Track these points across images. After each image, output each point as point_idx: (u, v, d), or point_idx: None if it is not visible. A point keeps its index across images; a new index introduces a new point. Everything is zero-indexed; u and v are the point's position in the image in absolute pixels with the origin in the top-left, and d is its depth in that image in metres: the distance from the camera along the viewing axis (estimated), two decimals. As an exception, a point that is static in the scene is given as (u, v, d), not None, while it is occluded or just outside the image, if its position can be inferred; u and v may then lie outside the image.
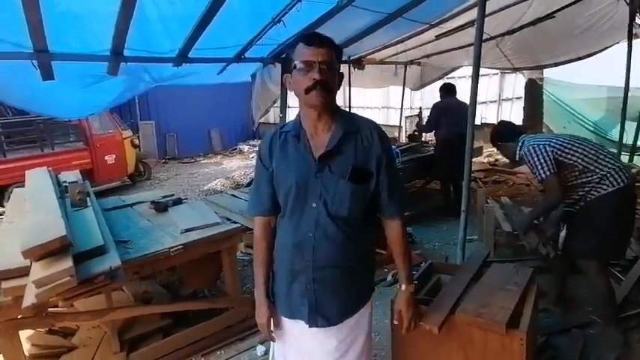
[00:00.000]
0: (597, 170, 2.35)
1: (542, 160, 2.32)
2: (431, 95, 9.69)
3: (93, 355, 2.11)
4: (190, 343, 2.33)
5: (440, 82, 7.60)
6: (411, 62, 6.39)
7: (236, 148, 11.84)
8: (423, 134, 5.57)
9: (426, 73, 6.57)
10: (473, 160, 5.29)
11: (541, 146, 2.37)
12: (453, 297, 1.56)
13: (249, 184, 5.09)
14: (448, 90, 4.84)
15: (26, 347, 2.09)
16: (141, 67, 4.14)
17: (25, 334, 2.02)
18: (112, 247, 1.80)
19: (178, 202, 3.02)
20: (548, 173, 2.31)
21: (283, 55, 4.87)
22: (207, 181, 7.73)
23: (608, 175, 2.34)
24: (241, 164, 9.66)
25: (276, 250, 1.42)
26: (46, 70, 3.36)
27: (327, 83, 1.22)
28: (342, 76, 1.34)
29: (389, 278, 3.31)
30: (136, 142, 7.93)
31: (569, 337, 2.49)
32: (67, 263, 1.44)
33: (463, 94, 4.87)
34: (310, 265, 1.31)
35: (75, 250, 1.61)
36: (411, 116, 9.66)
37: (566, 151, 2.36)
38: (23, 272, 1.62)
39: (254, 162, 9.38)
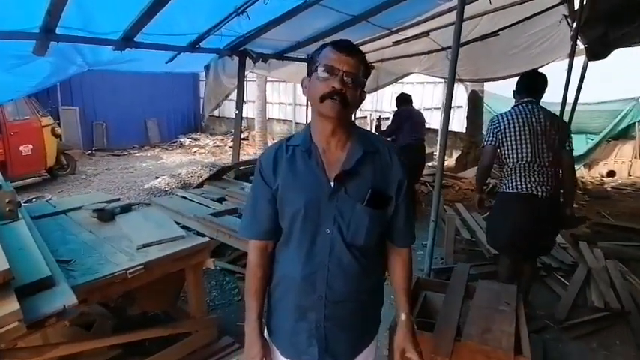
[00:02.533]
0: (512, 163, 2.50)
1: (489, 131, 2.56)
2: (381, 99, 9.96)
3: (26, 402, 1.73)
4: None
5: (391, 87, 7.84)
6: (367, 65, 6.42)
7: (176, 141, 11.08)
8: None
9: (380, 77, 6.66)
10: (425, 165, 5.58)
11: (497, 117, 2.57)
12: (453, 322, 1.51)
13: (199, 185, 4.69)
14: (405, 100, 5.05)
15: None
16: (73, 49, 3.59)
17: None
18: (61, 276, 1.46)
19: (127, 209, 2.64)
20: (486, 143, 2.58)
21: (241, 49, 4.59)
22: (146, 177, 7.08)
23: (513, 174, 2.50)
24: (184, 160, 9.04)
25: (275, 283, 1.24)
26: (-44, 47, 2.76)
27: (347, 96, 1.07)
28: (364, 94, 1.20)
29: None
30: (58, 130, 7.01)
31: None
32: (13, 304, 1.11)
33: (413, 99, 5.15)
34: (322, 300, 1.16)
35: (16, 283, 1.26)
36: (361, 118, 9.82)
37: (507, 128, 2.48)
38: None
39: (197, 157, 8.93)
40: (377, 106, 10.18)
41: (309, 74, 1.15)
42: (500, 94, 8.06)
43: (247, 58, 4.72)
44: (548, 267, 3.59)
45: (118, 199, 2.91)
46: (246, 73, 5.16)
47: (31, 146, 6.31)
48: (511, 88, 2.78)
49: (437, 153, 7.09)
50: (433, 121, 9.11)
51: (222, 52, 4.50)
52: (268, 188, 1.18)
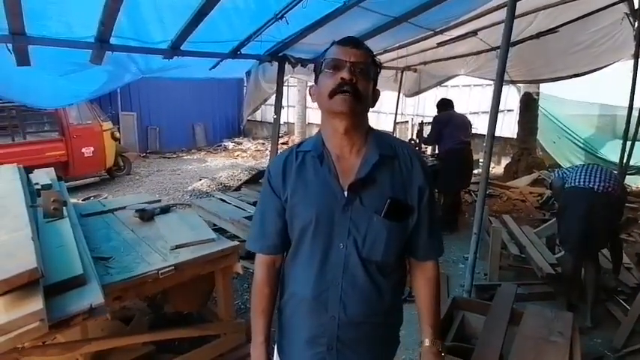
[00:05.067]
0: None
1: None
2: (423, 103, 9.68)
3: (63, 392, 1.82)
4: (177, 375, 2.07)
5: (434, 91, 7.57)
6: (408, 68, 6.26)
7: (221, 145, 11.48)
8: (423, 146, 5.48)
9: (422, 80, 6.45)
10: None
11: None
12: (494, 351, 1.37)
13: (237, 188, 4.80)
14: (445, 104, 4.88)
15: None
16: (128, 57, 3.81)
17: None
18: (93, 275, 1.52)
19: (166, 210, 2.74)
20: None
21: (281, 54, 4.64)
22: (191, 179, 7.38)
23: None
24: (226, 163, 9.33)
25: (285, 300, 1.16)
26: (22, 55, 3.01)
27: (358, 88, 0.99)
28: (378, 92, 1.11)
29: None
30: (117, 134, 7.50)
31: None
32: (37, 304, 1.16)
33: (457, 103, 4.99)
34: (336, 320, 1.06)
35: (47, 281, 1.33)
36: (402, 122, 9.59)
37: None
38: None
39: (239, 160, 9.17)
40: (419, 110, 9.89)
41: (316, 81, 1.09)
42: (558, 95, 7.48)
43: (287, 63, 4.76)
44: (610, 290, 3.24)
45: (159, 200, 3.02)
46: (286, 78, 5.21)
47: (92, 148, 6.79)
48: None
49: (482, 160, 6.73)
50: (480, 126, 8.68)
51: (262, 57, 4.57)
52: (277, 198, 1.10)
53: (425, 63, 6.06)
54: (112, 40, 3.24)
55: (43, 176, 2.67)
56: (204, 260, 2.08)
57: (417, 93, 6.85)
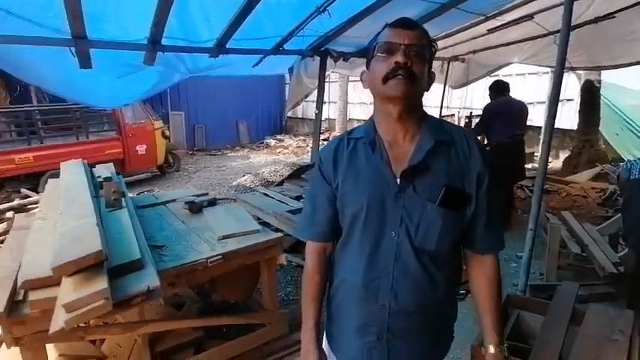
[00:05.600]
0: None
1: None
2: (471, 95, 9.28)
3: (123, 370, 1.96)
4: (225, 360, 2.15)
5: (483, 81, 7.21)
6: (455, 58, 6.01)
7: (263, 142, 11.73)
8: None
9: (471, 70, 6.16)
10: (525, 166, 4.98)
11: None
12: (554, 351, 1.29)
13: (280, 183, 4.88)
14: (500, 88, 4.33)
15: (53, 356, 1.95)
16: (177, 57, 3.99)
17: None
18: (150, 260, 1.62)
19: (213, 202, 2.84)
20: None
21: (323, 48, 4.64)
22: (235, 175, 7.61)
23: None
24: (269, 159, 9.52)
25: (335, 288, 1.15)
26: (84, 58, 3.24)
27: (413, 71, 0.96)
28: (433, 75, 1.07)
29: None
30: (167, 133, 7.89)
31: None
32: (102, 284, 1.26)
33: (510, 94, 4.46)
34: (386, 310, 1.04)
35: (109, 264, 1.43)
36: (448, 116, 9.26)
37: None
38: (55, 281, 1.46)
39: (281, 157, 9.29)
40: (466, 103, 9.49)
41: (367, 66, 1.06)
42: (621, 84, 6.85)
43: (329, 57, 4.75)
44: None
45: (207, 194, 3.14)
46: (327, 73, 5.21)
47: (145, 146, 7.19)
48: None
49: (538, 153, 6.32)
50: (536, 117, 8.18)
51: (305, 52, 4.60)
52: (328, 185, 1.09)
53: (474, 52, 5.78)
54: (163, 41, 3.41)
55: (104, 170, 2.87)
56: (249, 250, 2.14)
57: (465, 84, 6.55)
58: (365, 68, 1.08)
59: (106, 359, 2.07)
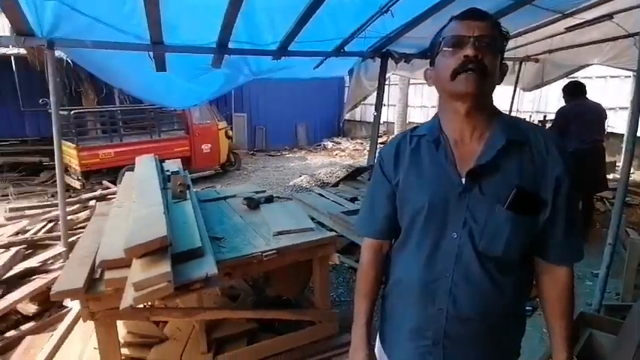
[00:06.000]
0: None
1: None
2: (545, 98, 8.61)
3: (182, 352, 2.08)
4: (275, 354, 2.19)
5: (560, 84, 6.65)
6: (528, 58, 5.60)
7: (320, 144, 11.87)
8: None
9: (545, 71, 5.70)
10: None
11: None
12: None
13: (335, 184, 4.90)
14: (575, 90, 3.99)
15: (122, 332, 2.12)
16: (241, 60, 4.18)
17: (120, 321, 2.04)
18: (209, 249, 1.71)
19: (270, 199, 2.92)
20: None
21: (384, 50, 4.59)
22: (292, 176, 7.78)
23: None
24: (325, 161, 9.60)
25: (390, 286, 1.12)
26: (160, 62, 3.52)
27: (485, 64, 0.90)
28: (506, 67, 1.00)
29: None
30: (230, 133, 8.29)
31: None
32: (166, 267, 1.35)
33: (589, 98, 4.04)
34: (443, 314, 0.99)
35: (173, 250, 1.52)
36: (517, 120, 8.66)
37: None
38: (126, 263, 1.59)
39: (337, 159, 9.29)
40: (539, 106, 8.80)
41: (432, 63, 1.01)
42: None
43: (389, 59, 4.68)
44: None
45: (264, 191, 3.23)
46: (387, 75, 5.13)
47: (209, 145, 7.63)
48: None
49: (620, 163, 5.68)
50: (618, 123, 7.38)
51: (365, 54, 4.57)
52: (388, 183, 1.08)
53: (550, 51, 5.35)
54: (230, 45, 3.60)
55: (172, 165, 3.09)
56: (303, 247, 2.16)
57: (538, 86, 6.08)
58: (429, 66, 1.04)
59: (167, 341, 2.20)
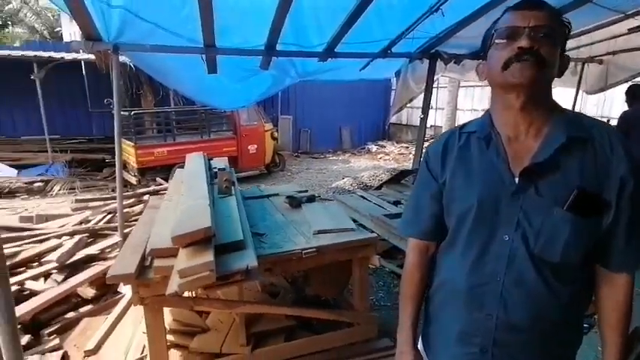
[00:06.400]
0: None
1: None
2: (610, 101, 7.96)
3: (222, 342, 2.14)
4: (312, 353, 2.19)
5: (625, 87, 6.11)
6: (592, 59, 5.21)
7: (364, 147, 11.79)
8: None
9: (610, 74, 5.26)
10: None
11: None
12: None
13: (378, 187, 4.83)
14: (638, 93, 3.79)
15: (168, 320, 2.23)
16: (288, 62, 4.25)
17: (167, 308, 2.14)
18: (250, 243, 1.75)
19: (312, 199, 2.94)
20: None
21: (432, 51, 4.47)
22: (335, 178, 7.80)
23: None
24: (369, 164, 9.53)
25: (435, 289, 1.08)
26: (212, 64, 3.68)
27: (542, 54, 0.83)
28: (567, 60, 0.93)
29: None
30: (276, 134, 8.47)
31: None
32: (209, 256, 1.40)
33: None
34: (492, 320, 0.93)
35: (217, 241, 1.58)
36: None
37: None
38: (173, 253, 1.67)
39: (381, 163, 9.17)
40: (603, 110, 8.14)
41: (484, 57, 0.96)
42: None
43: (438, 60, 4.55)
44: None
45: (306, 191, 3.26)
46: (436, 77, 4.99)
47: (256, 146, 7.85)
48: None
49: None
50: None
51: (413, 55, 4.47)
52: (434, 181, 1.04)
53: (613, 53, 4.95)
54: (277, 47, 3.68)
55: (219, 163, 3.20)
56: (343, 247, 2.15)
57: (602, 89, 5.63)
58: (481, 61, 0.99)
59: (209, 331, 2.28)
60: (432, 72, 4.72)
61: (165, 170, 6.78)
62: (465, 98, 10.85)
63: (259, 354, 2.12)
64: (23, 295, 2.73)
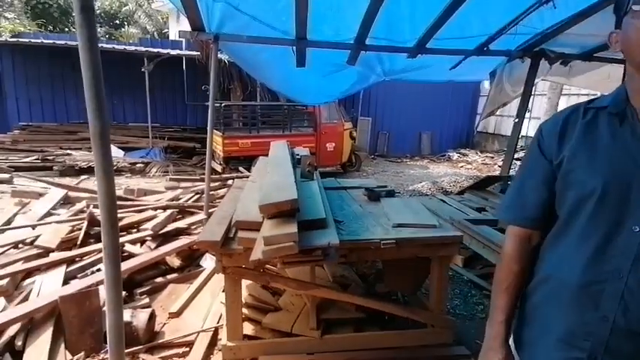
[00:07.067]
0: None
1: None
2: None
3: (293, 323, 2.16)
4: (381, 348, 2.11)
5: None
6: None
7: (445, 155, 11.26)
8: None
9: None
10: None
11: None
12: None
13: (460, 193, 4.54)
14: None
15: (244, 294, 2.31)
16: (376, 58, 4.18)
17: (244, 282, 2.22)
18: (332, 223, 1.74)
19: (391, 194, 2.86)
20: None
21: (537, 49, 4.07)
22: (412, 182, 7.55)
23: None
24: (449, 171, 9.06)
25: (536, 284, 0.96)
26: (301, 57, 3.78)
27: None
28: None
29: None
30: (354, 134, 8.46)
31: None
32: (293, 228, 1.42)
33: None
34: (608, 323, 0.81)
35: (300, 218, 1.59)
36: None
37: None
38: (257, 227, 1.73)
39: (462, 171, 8.68)
40: None
41: (618, 25, 0.84)
42: None
43: (543, 59, 4.13)
44: None
45: (386, 186, 3.18)
46: (536, 80, 4.55)
47: (334, 144, 7.92)
48: None
49: None
50: None
51: (513, 53, 4.12)
52: (546, 162, 0.92)
53: None
54: (367, 41, 3.65)
55: (302, 151, 3.27)
56: (423, 242, 2.04)
57: None
58: (616, 30, 0.86)
59: (281, 311, 2.32)
60: (533, 73, 4.32)
61: (248, 161, 7.14)
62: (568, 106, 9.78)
63: (329, 340, 2.10)
64: (123, 256, 3.06)
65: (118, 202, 4.00)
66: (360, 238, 1.99)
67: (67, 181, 5.68)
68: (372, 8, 3.03)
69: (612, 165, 0.82)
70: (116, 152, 7.90)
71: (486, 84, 5.31)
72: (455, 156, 11.02)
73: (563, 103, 9.51)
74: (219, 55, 4.98)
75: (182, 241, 3.33)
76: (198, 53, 7.84)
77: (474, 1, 2.96)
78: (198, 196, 4.67)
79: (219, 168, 7.18)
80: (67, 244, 3.12)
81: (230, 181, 5.24)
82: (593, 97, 0.99)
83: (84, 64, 1.10)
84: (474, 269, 3.37)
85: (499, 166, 9.05)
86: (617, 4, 0.87)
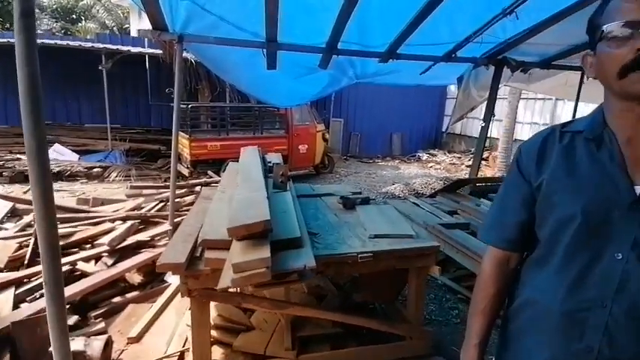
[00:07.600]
0: None
1: None
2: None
3: (266, 345, 2.05)
4: (359, 365, 2.05)
5: None
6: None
7: (415, 155, 11.46)
8: None
9: None
10: None
11: None
12: None
13: (432, 195, 4.57)
14: None
15: (213, 314, 2.18)
16: (348, 62, 4.14)
17: (213, 303, 2.09)
18: (307, 241, 1.65)
19: (366, 201, 2.80)
20: None
21: (500, 57, 4.17)
22: (384, 183, 7.58)
23: None
24: (419, 172, 9.20)
25: (517, 308, 0.93)
26: (272, 60, 3.66)
27: None
28: None
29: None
30: (327, 136, 8.42)
31: None
32: (265, 252, 1.31)
33: None
34: (593, 355, 0.78)
35: (273, 237, 1.49)
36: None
37: None
38: (225, 245, 1.61)
39: (432, 171, 8.83)
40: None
41: (592, 46, 0.81)
42: None
43: (505, 67, 4.24)
44: None
45: (360, 192, 3.13)
46: (500, 86, 4.66)
47: (306, 146, 7.81)
48: None
49: None
50: None
51: (479, 61, 4.19)
52: (526, 184, 0.90)
53: None
54: (339, 46, 3.58)
55: (274, 158, 3.15)
56: (401, 254, 1.99)
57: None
58: (588, 52, 0.84)
59: (254, 330, 2.21)
60: (497, 79, 4.43)
61: (217, 164, 6.92)
62: (525, 111, 10.18)
63: (304, 360, 2.01)
64: (74, 276, 2.77)
65: (70, 215, 3.73)
66: (336, 253, 1.90)
67: (16, 187, 5.27)
68: (343, 13, 2.96)
69: (591, 190, 0.80)
70: (70, 156, 7.44)
71: (452, 88, 5.40)
72: (424, 156, 11.22)
73: (522, 106, 9.90)
74: (185, 54, 4.77)
75: (144, 256, 3.10)
76: (161, 52, 7.49)
77: (442, 10, 2.97)
78: (162, 204, 4.43)
79: (186, 172, 6.91)
80: (13, 262, 2.84)
81: (198, 188, 5.02)
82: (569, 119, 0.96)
83: (21, 76, 0.95)
84: (448, 272, 3.38)
85: (467, 166, 9.29)
86: (590, 26, 0.83)
